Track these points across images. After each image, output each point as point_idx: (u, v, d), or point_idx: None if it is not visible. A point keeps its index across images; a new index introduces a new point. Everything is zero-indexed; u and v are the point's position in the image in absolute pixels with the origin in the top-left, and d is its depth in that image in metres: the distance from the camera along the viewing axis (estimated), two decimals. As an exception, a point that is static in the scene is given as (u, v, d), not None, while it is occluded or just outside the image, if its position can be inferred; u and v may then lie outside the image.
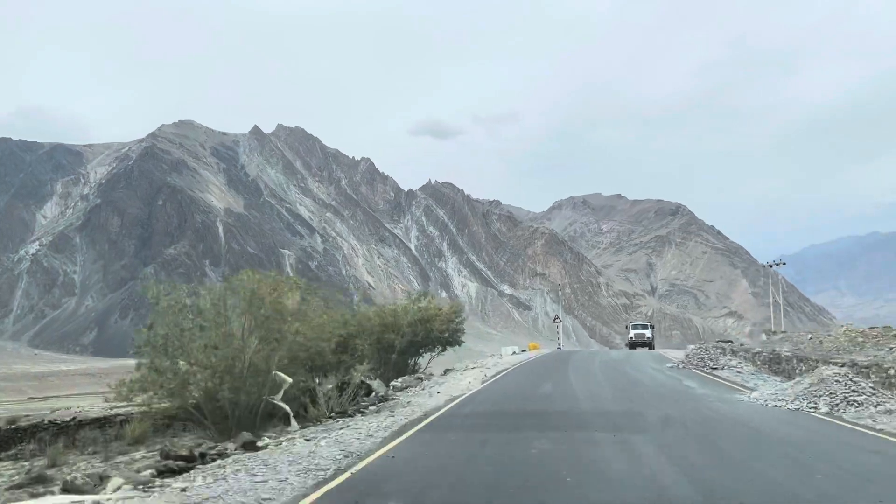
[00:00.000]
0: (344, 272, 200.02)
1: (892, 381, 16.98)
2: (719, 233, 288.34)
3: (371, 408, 17.27)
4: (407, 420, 14.59)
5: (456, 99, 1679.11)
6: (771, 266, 78.36)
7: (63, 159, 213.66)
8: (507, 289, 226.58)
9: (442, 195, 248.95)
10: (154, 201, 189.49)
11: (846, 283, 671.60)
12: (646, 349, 51.45)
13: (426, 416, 15.39)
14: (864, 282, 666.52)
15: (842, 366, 18.35)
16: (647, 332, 57.27)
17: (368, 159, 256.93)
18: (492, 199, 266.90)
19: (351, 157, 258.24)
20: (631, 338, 56.18)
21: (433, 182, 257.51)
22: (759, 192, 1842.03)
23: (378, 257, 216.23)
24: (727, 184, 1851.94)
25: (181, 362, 14.85)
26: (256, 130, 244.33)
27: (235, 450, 12.24)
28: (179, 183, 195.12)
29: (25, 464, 15.48)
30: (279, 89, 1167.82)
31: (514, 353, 52.78)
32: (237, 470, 9.81)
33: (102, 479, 10.03)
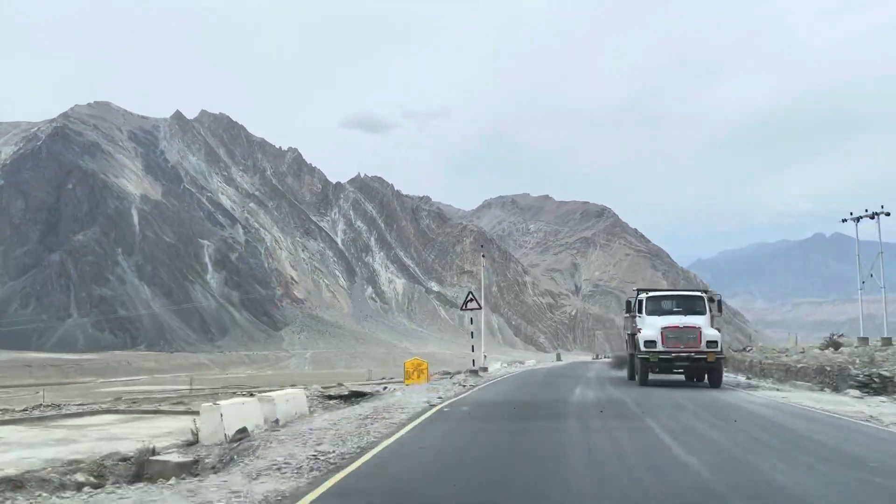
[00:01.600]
0: (266, 265, 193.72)
1: None
2: (642, 235, 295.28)
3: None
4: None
5: (388, 93, 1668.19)
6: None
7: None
8: (434, 286, 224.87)
9: (371, 189, 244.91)
10: (63, 185, 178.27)
11: (757, 288, 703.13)
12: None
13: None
14: (773, 287, 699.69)
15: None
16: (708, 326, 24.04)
17: (296, 150, 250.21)
18: (422, 196, 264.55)
19: (277, 146, 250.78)
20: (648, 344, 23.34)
21: (362, 175, 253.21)
22: (680, 197, 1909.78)
23: (303, 250, 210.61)
24: (651, 188, 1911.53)
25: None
26: (178, 115, 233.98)
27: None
28: (92, 167, 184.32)
29: None
30: (204, 74, 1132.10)
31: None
32: None
33: None
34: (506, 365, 56.77)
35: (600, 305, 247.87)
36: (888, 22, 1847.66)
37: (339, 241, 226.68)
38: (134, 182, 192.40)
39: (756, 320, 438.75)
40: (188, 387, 74.19)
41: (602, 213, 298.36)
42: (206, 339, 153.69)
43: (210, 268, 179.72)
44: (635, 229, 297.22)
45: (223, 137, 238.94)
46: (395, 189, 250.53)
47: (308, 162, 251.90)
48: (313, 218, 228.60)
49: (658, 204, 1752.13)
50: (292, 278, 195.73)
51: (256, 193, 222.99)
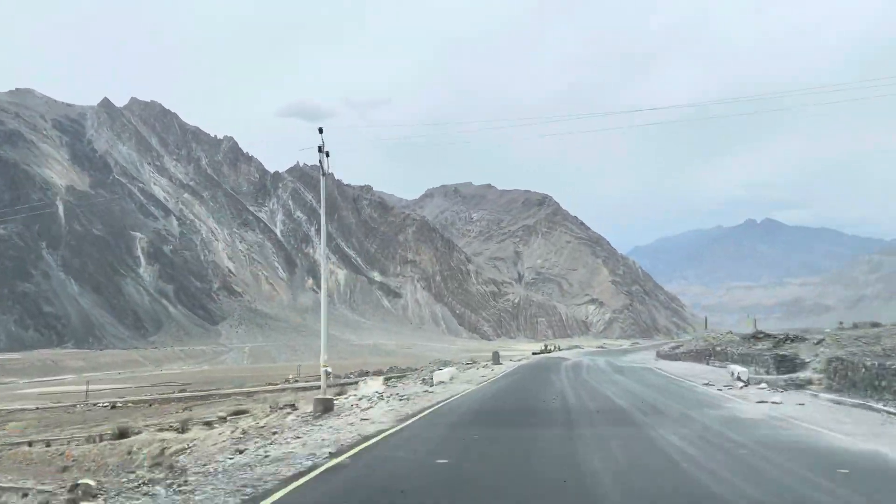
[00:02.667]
0: (202, 257, 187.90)
1: None
2: (582, 223, 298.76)
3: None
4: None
5: (328, 81, 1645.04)
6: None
7: None
8: (377, 276, 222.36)
9: (310, 179, 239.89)
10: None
11: (693, 273, 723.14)
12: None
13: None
14: (708, 272, 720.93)
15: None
16: None
17: (231, 138, 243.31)
18: (363, 185, 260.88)
19: (213, 135, 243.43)
20: None
21: (301, 165, 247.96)
22: (620, 186, 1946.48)
23: (240, 242, 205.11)
24: (590, 176, 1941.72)
25: None
26: (107, 103, 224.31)
27: None
28: (13, 156, 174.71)
29: None
30: (133, 61, 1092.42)
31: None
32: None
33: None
34: (465, 367, 41.93)
35: (543, 293, 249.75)
36: (812, 17, 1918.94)
37: (278, 231, 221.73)
38: (59, 173, 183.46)
39: (692, 304, 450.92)
40: (127, 385, 70.62)
41: (543, 201, 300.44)
42: (140, 334, 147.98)
43: (143, 261, 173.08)
44: (576, 217, 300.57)
45: (155, 126, 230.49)
46: (336, 178, 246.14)
47: (245, 151, 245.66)
48: (251, 208, 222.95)
49: (597, 192, 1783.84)
50: (230, 270, 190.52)
51: (191, 183, 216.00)
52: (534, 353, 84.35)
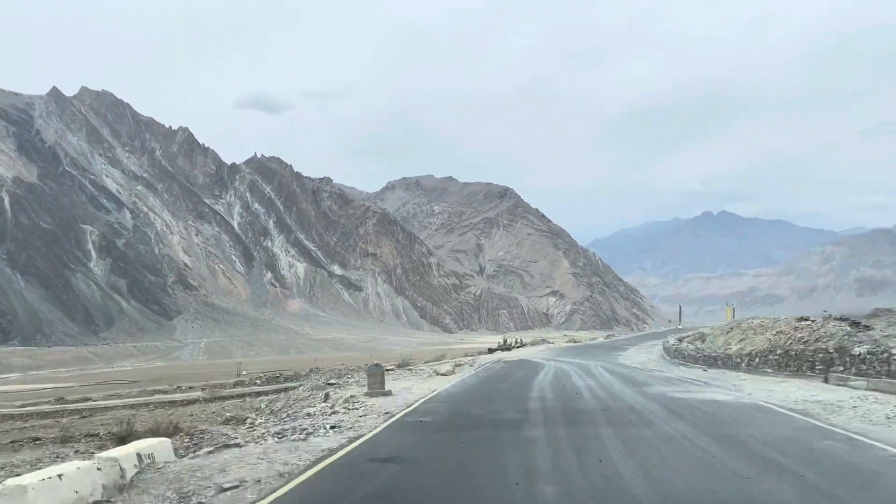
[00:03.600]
0: (157, 251, 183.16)
1: None
2: (543, 216, 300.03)
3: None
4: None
5: (286, 73, 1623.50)
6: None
7: None
8: (337, 269, 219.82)
9: (268, 170, 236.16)
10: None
11: (651, 265, 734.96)
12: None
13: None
14: (665, 263, 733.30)
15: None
16: None
17: (187, 129, 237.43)
18: (322, 177, 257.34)
19: (167, 126, 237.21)
20: None
21: (259, 156, 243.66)
22: (579, 179, 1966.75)
23: (196, 235, 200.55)
24: (551, 169, 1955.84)
25: None
26: (56, 92, 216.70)
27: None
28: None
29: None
30: (84, 49, 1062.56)
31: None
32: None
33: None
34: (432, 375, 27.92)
35: (504, 285, 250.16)
36: (764, 12, 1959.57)
37: (235, 224, 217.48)
38: (5, 164, 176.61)
39: (651, 295, 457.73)
40: (69, 384, 67.64)
41: (505, 193, 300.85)
42: (90, 331, 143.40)
43: (94, 255, 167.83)
44: (537, 209, 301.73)
45: (107, 116, 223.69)
46: (295, 170, 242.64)
47: (201, 142, 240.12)
48: (207, 201, 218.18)
49: (558, 185, 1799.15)
50: (185, 264, 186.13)
51: (145, 175, 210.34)
52: (490, 350, 62.57)
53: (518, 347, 68.11)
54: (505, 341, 74.22)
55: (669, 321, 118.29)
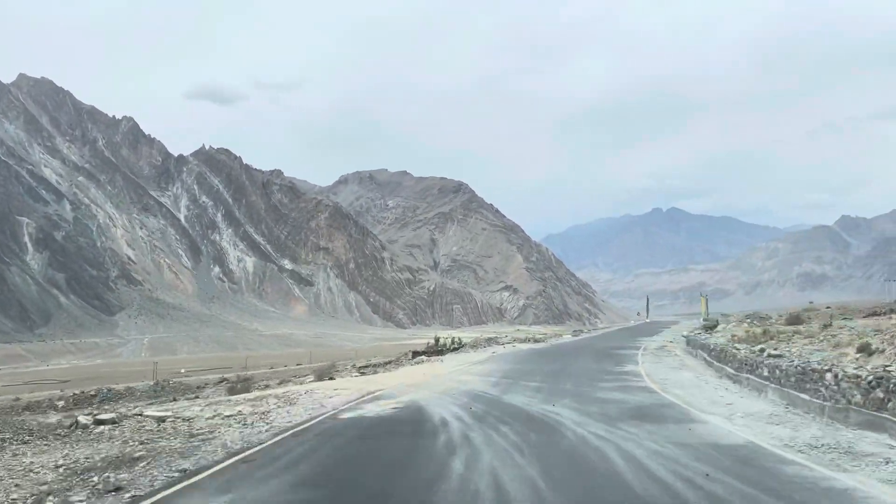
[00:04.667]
0: (99, 244, 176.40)
1: None
2: (497, 210, 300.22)
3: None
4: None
5: (238, 63, 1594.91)
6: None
7: None
8: (287, 264, 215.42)
9: (217, 162, 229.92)
10: None
11: (603, 260, 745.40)
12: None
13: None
14: (617, 259, 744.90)
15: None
16: None
17: (131, 118, 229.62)
18: (273, 169, 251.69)
19: (111, 115, 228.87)
20: None
21: (207, 147, 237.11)
22: (534, 174, 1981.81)
23: (141, 228, 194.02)
24: (506, 164, 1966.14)
25: None
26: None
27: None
28: None
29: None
30: (21, 34, 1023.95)
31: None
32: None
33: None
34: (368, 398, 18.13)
35: (458, 280, 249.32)
36: (717, 13, 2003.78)
37: (181, 217, 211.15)
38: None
39: (602, 290, 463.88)
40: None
41: (459, 188, 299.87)
42: (25, 327, 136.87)
43: (30, 248, 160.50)
44: (491, 204, 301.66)
45: (46, 104, 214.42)
46: (245, 162, 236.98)
47: (146, 132, 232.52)
48: (153, 193, 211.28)
49: (513, 180, 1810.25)
50: (129, 258, 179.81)
51: (86, 166, 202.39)
52: (415, 354, 44.65)
53: (454, 350, 47.12)
54: (437, 341, 50.91)
55: (638, 314, 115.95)
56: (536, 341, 58.93)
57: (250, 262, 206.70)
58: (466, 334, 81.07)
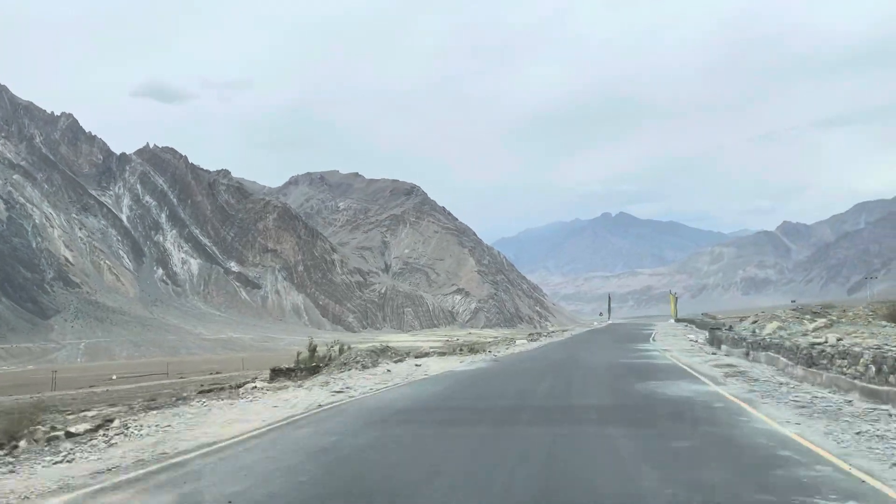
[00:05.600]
0: (34, 245, 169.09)
1: None
2: (450, 213, 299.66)
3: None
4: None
5: (186, 61, 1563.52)
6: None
7: None
8: (234, 266, 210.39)
9: (162, 161, 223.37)
10: None
11: (554, 264, 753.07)
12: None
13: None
14: (567, 263, 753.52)
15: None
16: None
17: (71, 115, 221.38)
18: (220, 169, 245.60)
19: (49, 111, 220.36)
20: None
21: (152, 146, 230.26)
22: (487, 178, 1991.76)
23: (80, 228, 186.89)
24: (459, 167, 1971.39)
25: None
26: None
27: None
28: None
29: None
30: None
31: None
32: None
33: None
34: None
35: (410, 283, 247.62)
36: (665, 20, 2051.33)
37: (123, 217, 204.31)
38: None
39: (553, 294, 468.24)
40: None
41: (412, 191, 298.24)
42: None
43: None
44: (443, 207, 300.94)
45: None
46: (190, 162, 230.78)
47: (87, 130, 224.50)
48: (93, 192, 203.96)
49: (466, 183, 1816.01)
50: (67, 259, 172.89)
51: (22, 164, 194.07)
52: (275, 374, 24.00)
53: (341, 365, 25.07)
54: (314, 351, 27.70)
55: (600, 314, 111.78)
56: (472, 351, 36.17)
57: (195, 263, 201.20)
58: (430, 337, 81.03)
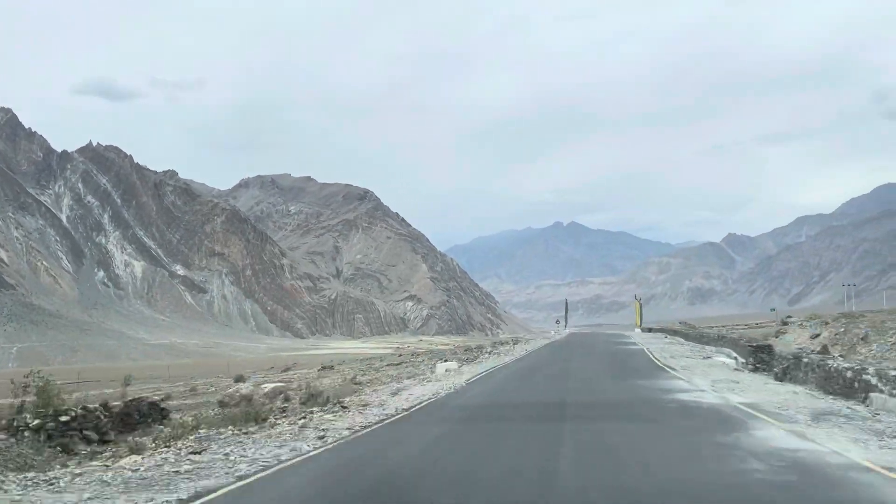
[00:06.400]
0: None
1: None
2: (403, 219, 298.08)
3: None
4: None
5: (134, 59, 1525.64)
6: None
7: None
8: (179, 269, 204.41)
9: (106, 160, 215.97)
10: None
11: (506, 272, 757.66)
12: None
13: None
14: (519, 270, 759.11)
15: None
16: None
17: (9, 111, 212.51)
18: (167, 170, 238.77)
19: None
20: None
21: (95, 144, 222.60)
22: (442, 185, 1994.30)
23: (17, 228, 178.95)
24: (414, 174, 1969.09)
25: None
26: None
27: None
28: None
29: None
30: None
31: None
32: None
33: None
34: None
35: (361, 288, 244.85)
36: (618, 31, 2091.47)
37: (63, 217, 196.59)
38: None
39: (504, 302, 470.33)
40: None
41: (365, 196, 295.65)
42: None
43: None
44: (397, 213, 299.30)
45: None
46: (136, 162, 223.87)
47: (27, 126, 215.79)
48: (31, 190, 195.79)
49: (420, 190, 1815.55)
50: (1, 260, 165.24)
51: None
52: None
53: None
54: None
55: (557, 322, 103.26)
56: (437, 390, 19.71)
57: (139, 266, 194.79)
58: (367, 346, 79.60)
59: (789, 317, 53.99)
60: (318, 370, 45.67)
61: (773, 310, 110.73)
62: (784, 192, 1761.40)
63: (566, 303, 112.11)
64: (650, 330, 77.48)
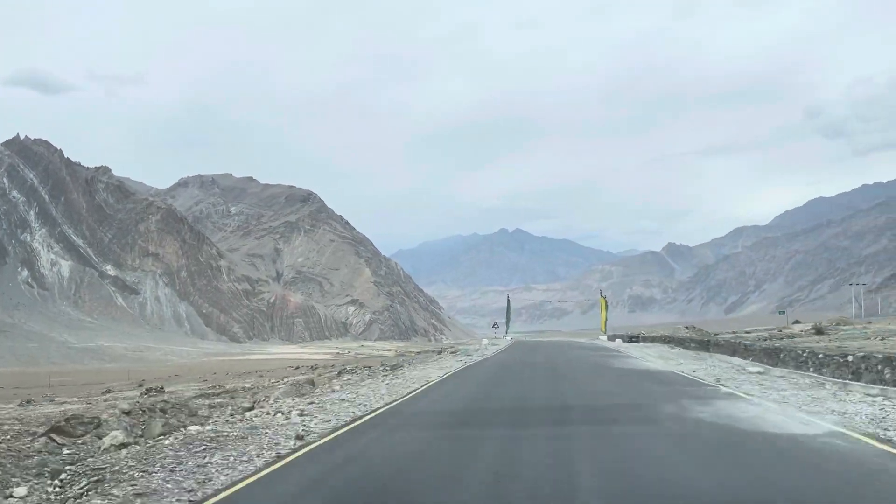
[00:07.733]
0: None
1: None
2: (347, 223, 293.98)
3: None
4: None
5: (70, 50, 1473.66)
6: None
7: None
8: (110, 269, 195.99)
9: (33, 154, 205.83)
10: None
11: (451, 277, 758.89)
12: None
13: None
14: (465, 276, 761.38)
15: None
16: None
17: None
18: (99, 166, 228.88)
19: None
20: None
21: (23, 137, 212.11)
22: (388, 189, 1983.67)
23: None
24: (360, 177, 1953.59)
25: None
26: None
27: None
28: None
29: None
30: None
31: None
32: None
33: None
34: None
35: (302, 292, 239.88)
36: (568, 41, 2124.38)
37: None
38: None
39: (449, 307, 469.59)
40: None
41: (308, 198, 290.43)
42: None
43: None
44: (341, 216, 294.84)
45: None
46: (66, 157, 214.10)
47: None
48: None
49: (365, 193, 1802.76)
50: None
51: None
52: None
53: None
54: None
55: (495, 325, 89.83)
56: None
57: (66, 265, 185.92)
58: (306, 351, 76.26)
59: (797, 321, 54.11)
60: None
61: (783, 312, 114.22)
62: (722, 204, 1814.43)
63: (508, 300, 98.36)
64: (638, 339, 58.80)
